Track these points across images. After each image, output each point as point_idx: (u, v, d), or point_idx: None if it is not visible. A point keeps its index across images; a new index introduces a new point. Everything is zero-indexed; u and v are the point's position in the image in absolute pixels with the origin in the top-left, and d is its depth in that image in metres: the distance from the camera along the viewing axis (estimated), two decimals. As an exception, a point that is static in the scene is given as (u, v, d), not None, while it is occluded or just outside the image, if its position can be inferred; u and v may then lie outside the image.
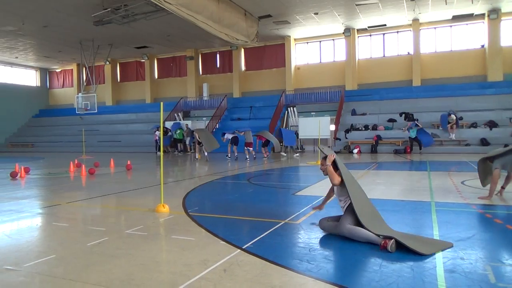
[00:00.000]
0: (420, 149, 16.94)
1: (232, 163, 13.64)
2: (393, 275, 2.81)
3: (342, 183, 3.73)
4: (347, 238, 3.66)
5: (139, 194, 6.72)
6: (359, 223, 3.57)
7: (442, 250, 3.30)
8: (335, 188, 3.91)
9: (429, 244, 3.39)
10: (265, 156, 15.69)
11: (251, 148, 15.35)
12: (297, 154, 16.91)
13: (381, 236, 3.42)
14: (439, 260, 3.09)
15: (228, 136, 15.86)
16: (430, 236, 3.70)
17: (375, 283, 2.67)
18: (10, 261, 3.21)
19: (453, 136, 17.45)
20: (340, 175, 3.74)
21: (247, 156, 15.15)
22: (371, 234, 3.46)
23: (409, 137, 17.39)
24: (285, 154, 16.84)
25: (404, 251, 3.27)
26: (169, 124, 22.49)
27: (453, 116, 17.64)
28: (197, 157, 16.44)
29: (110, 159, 12.70)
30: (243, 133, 15.57)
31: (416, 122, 17.66)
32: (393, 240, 3.30)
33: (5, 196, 6.62)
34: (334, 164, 3.82)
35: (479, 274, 2.83)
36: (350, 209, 3.67)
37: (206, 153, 15.67)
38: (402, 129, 18.26)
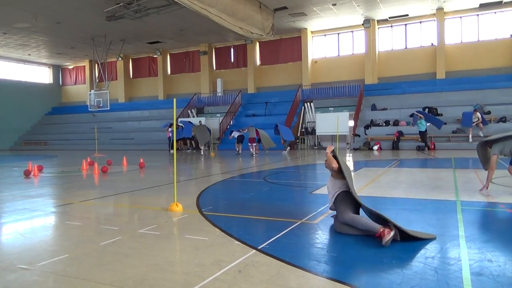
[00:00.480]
0: (427, 148, 16.24)
1: (246, 161, 13.66)
2: (416, 278, 2.77)
3: (339, 170, 4.04)
4: (366, 238, 3.63)
5: (152, 192, 6.80)
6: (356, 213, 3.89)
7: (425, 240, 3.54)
8: (328, 181, 4.20)
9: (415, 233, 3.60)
10: (254, 153, 16.62)
11: (254, 144, 16.62)
12: (286, 151, 17.18)
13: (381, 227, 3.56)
14: (465, 262, 3.04)
15: (235, 134, 17.31)
16: (455, 238, 3.64)
17: (397, 286, 2.64)
18: (24, 260, 3.30)
19: (481, 133, 17.06)
20: (338, 163, 4.05)
21: (252, 152, 16.41)
22: (371, 223, 3.64)
23: (420, 132, 17.06)
24: (286, 151, 17.30)
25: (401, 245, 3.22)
26: (180, 121, 22.66)
27: (478, 114, 17.22)
28: (209, 154, 16.50)
29: (122, 157, 12.88)
30: (246, 130, 17.01)
31: (416, 113, 17.29)
32: (392, 233, 3.41)
33: (19, 194, 6.79)
34: (334, 155, 4.13)
35: (508, 277, 2.76)
36: (340, 199, 3.95)
37: (201, 148, 17.97)
38: (410, 124, 17.91)
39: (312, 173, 9.76)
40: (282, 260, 3.12)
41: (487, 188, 5.94)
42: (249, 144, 16.71)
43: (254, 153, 16.51)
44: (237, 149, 17.36)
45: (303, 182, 8.02)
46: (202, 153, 17.36)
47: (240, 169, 10.67)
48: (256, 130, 16.85)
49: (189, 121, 21.95)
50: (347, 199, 3.95)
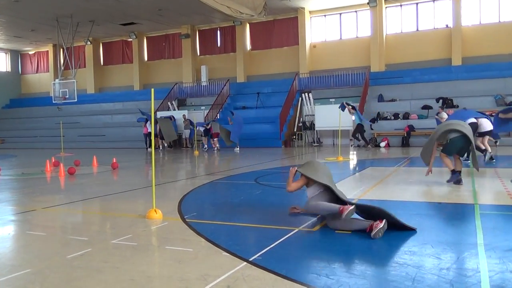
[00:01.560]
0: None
1: (235, 160, 13.66)
2: (429, 292, 2.79)
3: (306, 181, 4.69)
4: (371, 246, 3.65)
5: (127, 197, 6.77)
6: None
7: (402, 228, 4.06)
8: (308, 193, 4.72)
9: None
10: (214, 147, 19.01)
11: (216, 139, 18.99)
12: (237, 148, 18.38)
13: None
14: (485, 274, 3.07)
15: (201, 128, 19.81)
16: (473, 246, 3.68)
17: (407, 302, 2.66)
18: (-22, 276, 3.26)
19: None
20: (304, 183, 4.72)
21: (214, 147, 18.91)
22: (330, 205, 4.22)
23: (358, 124, 17.56)
24: (237, 148, 18.57)
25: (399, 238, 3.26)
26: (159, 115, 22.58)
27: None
28: (192, 153, 16.50)
29: (92, 157, 12.81)
30: (209, 125, 19.47)
31: (345, 103, 17.35)
32: (351, 207, 4.02)
33: (-28, 200, 6.71)
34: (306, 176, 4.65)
35: (532, 290, 2.80)
36: (316, 198, 4.55)
37: (165, 145, 20.13)
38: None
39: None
40: (276, 274, 3.13)
41: (431, 172, 7.40)
42: (212, 139, 19.23)
43: (216, 148, 18.86)
44: (204, 144, 19.76)
45: (300, 184, 8.04)
46: (160, 149, 19.59)
47: (228, 170, 10.66)
48: (213, 124, 19.35)
49: (171, 116, 21.89)
50: (323, 197, 4.51)
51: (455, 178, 7.09)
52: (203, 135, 19.87)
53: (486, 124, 9.77)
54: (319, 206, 4.35)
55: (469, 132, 6.92)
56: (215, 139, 19.20)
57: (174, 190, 7.68)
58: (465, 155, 8.41)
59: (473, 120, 9.45)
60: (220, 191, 7.50)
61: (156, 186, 6.82)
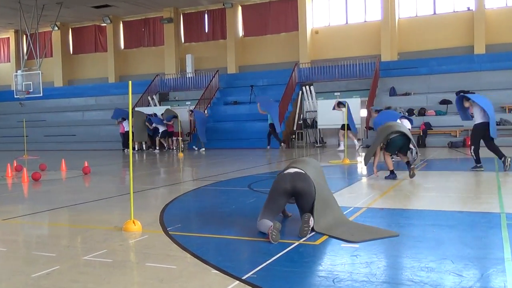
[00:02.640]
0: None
1: (223, 163, 13.67)
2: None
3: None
4: (383, 263, 3.67)
5: (101, 207, 6.75)
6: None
7: (381, 238, 4.31)
8: None
9: (366, 231, 4.52)
10: (171, 148, 20.57)
11: (176, 138, 20.05)
12: (203, 149, 19.64)
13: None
14: (511, 292, 3.09)
15: (160, 127, 20.68)
16: (500, 261, 3.70)
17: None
18: None
19: None
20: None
21: (172, 147, 20.27)
22: (264, 222, 4.54)
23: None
24: (196, 148, 19.53)
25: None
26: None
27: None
28: (177, 155, 16.49)
29: (61, 160, 12.75)
30: (172, 122, 20.53)
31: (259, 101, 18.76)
32: (275, 226, 4.30)
33: None
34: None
35: None
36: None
37: (143, 146, 21.19)
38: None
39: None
40: (274, 294, 3.13)
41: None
42: (173, 138, 20.52)
43: (174, 148, 20.31)
44: (165, 144, 20.93)
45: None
46: (126, 152, 19.94)
47: (217, 174, 10.66)
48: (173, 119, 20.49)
49: (154, 113, 21.85)
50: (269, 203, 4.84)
51: (392, 177, 8.75)
52: (160, 135, 20.83)
53: (407, 125, 11.31)
54: (260, 224, 4.65)
55: (406, 130, 8.85)
56: (174, 138, 20.50)
57: (155, 198, 7.66)
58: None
59: (405, 121, 11.58)
60: (208, 199, 7.49)
61: (135, 193, 6.80)
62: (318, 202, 4.69)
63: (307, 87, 22.06)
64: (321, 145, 20.79)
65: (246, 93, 24.04)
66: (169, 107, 23.30)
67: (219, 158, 15.77)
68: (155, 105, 24.66)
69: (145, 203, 6.98)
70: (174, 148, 20.60)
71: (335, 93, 21.62)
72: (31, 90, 25.34)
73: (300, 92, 22.61)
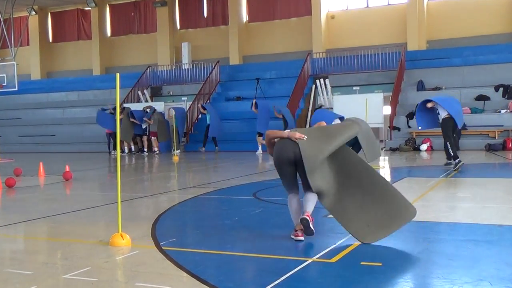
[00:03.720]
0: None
1: (225, 168, 13.65)
2: None
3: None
4: (409, 283, 3.64)
5: (84, 217, 6.75)
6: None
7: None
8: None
9: (388, 218, 4.88)
10: (155, 150, 20.83)
11: (154, 138, 20.69)
12: (202, 148, 20.15)
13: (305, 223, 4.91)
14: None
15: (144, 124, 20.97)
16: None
17: None
18: None
19: None
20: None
21: (155, 149, 20.71)
22: (293, 209, 5.20)
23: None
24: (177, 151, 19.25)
25: None
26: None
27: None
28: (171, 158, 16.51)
29: (38, 164, 12.78)
30: (152, 121, 20.65)
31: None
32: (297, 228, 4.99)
33: None
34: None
35: None
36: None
37: (126, 149, 21.31)
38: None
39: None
40: (283, 320, 3.12)
41: None
42: (152, 137, 20.91)
43: (155, 149, 20.76)
44: (154, 147, 21.01)
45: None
46: (113, 155, 20.15)
47: (218, 181, 10.65)
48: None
49: (147, 109, 21.87)
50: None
51: None
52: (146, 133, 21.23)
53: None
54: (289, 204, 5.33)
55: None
56: (152, 138, 20.90)
57: (146, 208, 7.66)
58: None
59: (337, 121, 11.98)
60: (208, 210, 7.48)
61: (123, 202, 6.80)
62: (331, 172, 5.00)
63: (322, 80, 22.01)
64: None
65: (251, 87, 24.00)
66: (162, 103, 23.33)
67: (220, 162, 15.77)
68: (146, 101, 24.68)
69: (135, 213, 6.98)
70: (157, 150, 20.82)
71: (354, 88, 21.58)
72: (5, 84, 25.38)
73: (314, 86, 22.57)
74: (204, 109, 20.81)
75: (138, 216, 6.81)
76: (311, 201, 5.09)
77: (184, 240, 5.35)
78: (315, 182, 4.87)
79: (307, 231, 4.90)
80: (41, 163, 12.78)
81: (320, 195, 4.98)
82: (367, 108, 17.50)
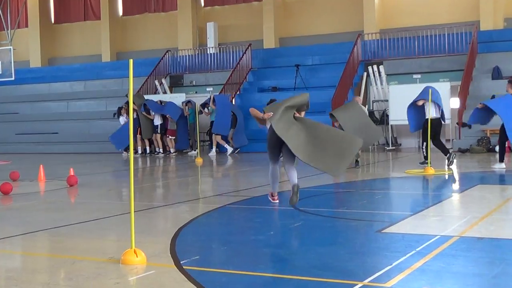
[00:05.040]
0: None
1: (257, 173, 13.66)
2: None
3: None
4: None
5: (92, 230, 6.83)
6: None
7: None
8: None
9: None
10: (171, 151, 21.20)
11: (174, 137, 21.18)
12: (214, 153, 20.13)
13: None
14: None
15: (157, 119, 21.27)
16: None
17: None
18: None
19: None
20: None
21: (168, 150, 21.15)
22: (273, 177, 8.33)
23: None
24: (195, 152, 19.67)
25: None
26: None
27: None
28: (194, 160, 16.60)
29: (38, 167, 12.98)
30: (168, 116, 21.02)
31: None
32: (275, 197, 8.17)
33: None
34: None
35: None
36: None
37: (139, 149, 21.68)
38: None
39: (384, 196, 9.75)
40: None
41: None
42: (167, 137, 21.22)
43: (171, 150, 21.13)
44: (168, 146, 21.44)
45: (365, 212, 8.00)
46: (125, 156, 20.38)
47: (248, 188, 10.64)
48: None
49: (159, 101, 22.01)
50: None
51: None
52: (158, 131, 21.52)
53: None
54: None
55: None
56: (170, 137, 21.19)
57: (164, 219, 7.70)
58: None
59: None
60: (237, 222, 7.48)
61: (137, 213, 6.85)
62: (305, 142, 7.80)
63: (375, 67, 21.84)
64: (394, 147, 20.53)
65: (290, 76, 23.95)
66: (183, 94, 23.41)
67: (252, 166, 15.75)
68: (165, 93, 24.80)
69: (151, 226, 7.02)
70: (171, 151, 21.16)
71: (414, 76, 21.32)
72: (0, 73, 25.77)
73: (365, 74, 22.39)
74: (214, 102, 20.65)
75: (154, 229, 6.85)
76: (294, 174, 7.86)
77: (209, 258, 5.36)
78: (292, 144, 7.60)
79: (294, 198, 7.48)
80: (41, 166, 12.94)
81: (298, 153, 7.62)
82: (431, 100, 17.25)
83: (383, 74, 21.65)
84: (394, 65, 22.31)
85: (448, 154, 13.22)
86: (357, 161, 13.53)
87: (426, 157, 12.87)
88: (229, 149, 19.97)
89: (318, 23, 26.20)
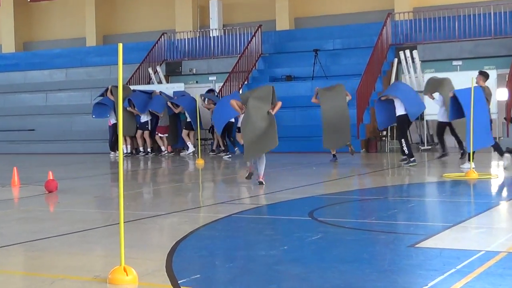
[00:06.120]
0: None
1: (275, 176, 13.66)
2: None
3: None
4: None
5: (75, 244, 6.84)
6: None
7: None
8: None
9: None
10: (164, 150, 21.62)
11: (165, 135, 21.55)
12: (229, 155, 19.90)
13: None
14: None
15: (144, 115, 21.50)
16: None
17: None
18: None
19: None
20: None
21: (164, 151, 21.38)
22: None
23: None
24: (229, 155, 19.72)
25: None
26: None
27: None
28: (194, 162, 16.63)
29: (12, 170, 13.03)
30: (180, 108, 21.30)
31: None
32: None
33: None
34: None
35: None
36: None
37: (128, 148, 21.79)
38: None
39: (418, 205, 9.75)
40: None
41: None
42: (158, 134, 21.53)
43: (164, 151, 21.49)
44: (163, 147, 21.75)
45: (395, 223, 8.01)
46: (113, 158, 20.56)
47: (258, 195, 10.65)
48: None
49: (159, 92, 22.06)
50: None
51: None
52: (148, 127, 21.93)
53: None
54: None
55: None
56: (161, 135, 21.64)
57: (159, 231, 7.71)
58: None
59: None
60: (245, 235, 7.47)
61: (128, 224, 6.85)
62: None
63: (407, 52, 21.79)
64: (429, 146, 20.46)
65: (307, 63, 23.93)
66: (182, 84, 23.42)
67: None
68: (160, 82, 24.83)
69: (144, 239, 7.03)
70: (162, 149, 21.41)
71: (454, 63, 21.28)
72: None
73: (396, 61, 22.35)
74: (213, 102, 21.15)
75: (148, 242, 6.86)
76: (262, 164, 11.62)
77: (211, 277, 5.36)
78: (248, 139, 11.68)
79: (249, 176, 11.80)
80: (15, 168, 13.00)
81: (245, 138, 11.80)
82: (473, 92, 17.20)
83: (417, 60, 21.60)
84: (430, 50, 22.29)
85: (405, 157, 14.85)
86: (334, 155, 16.09)
87: (404, 153, 14.83)
88: (190, 149, 20.69)
89: (340, 0, 26.17)
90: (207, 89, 23.03)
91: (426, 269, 5.29)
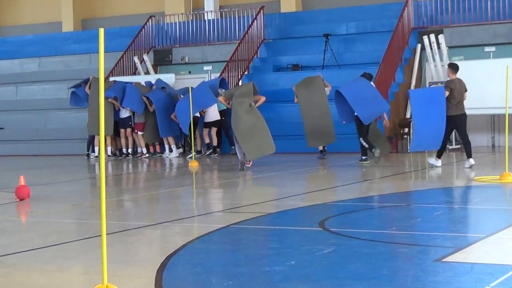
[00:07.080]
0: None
1: (280, 181, 13.69)
2: None
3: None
4: None
5: (50, 259, 6.86)
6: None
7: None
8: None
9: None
10: (142, 151, 22.12)
11: (141, 133, 21.84)
12: (215, 154, 20.69)
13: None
14: None
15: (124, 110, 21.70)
16: None
17: None
18: None
19: None
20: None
21: (142, 150, 21.84)
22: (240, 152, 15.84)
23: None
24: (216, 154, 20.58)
25: None
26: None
27: None
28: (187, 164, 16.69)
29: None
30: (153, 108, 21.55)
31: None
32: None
33: None
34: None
35: None
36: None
37: (109, 149, 21.98)
38: None
39: (445, 213, 9.77)
40: None
41: None
42: (136, 132, 21.81)
43: (139, 150, 22.10)
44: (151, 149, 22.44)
45: (419, 234, 8.02)
46: (90, 159, 21.20)
47: (261, 202, 10.67)
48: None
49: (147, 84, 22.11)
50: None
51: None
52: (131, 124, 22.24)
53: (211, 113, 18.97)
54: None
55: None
56: (138, 133, 21.96)
57: (148, 244, 7.73)
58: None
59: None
60: (245, 248, 7.50)
61: (111, 236, 6.86)
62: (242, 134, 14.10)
63: (432, 37, 21.80)
64: (458, 146, 20.44)
65: (316, 49, 23.99)
66: (173, 75, 23.46)
67: (266, 172, 15.78)
68: (147, 72, 24.86)
69: (130, 253, 7.05)
70: (145, 151, 21.70)
71: (486, 49, 21.30)
72: None
73: (419, 47, 22.39)
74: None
75: (135, 257, 6.88)
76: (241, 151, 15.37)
77: (208, 296, 5.38)
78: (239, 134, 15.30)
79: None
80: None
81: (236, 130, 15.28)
82: (508, 82, 17.23)
83: (443, 46, 21.61)
84: (458, 34, 22.31)
85: (364, 157, 16.27)
86: (321, 151, 17.85)
87: (364, 153, 16.30)
88: (174, 152, 21.23)
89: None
90: (200, 80, 22.90)
91: (455, 287, 5.31)
